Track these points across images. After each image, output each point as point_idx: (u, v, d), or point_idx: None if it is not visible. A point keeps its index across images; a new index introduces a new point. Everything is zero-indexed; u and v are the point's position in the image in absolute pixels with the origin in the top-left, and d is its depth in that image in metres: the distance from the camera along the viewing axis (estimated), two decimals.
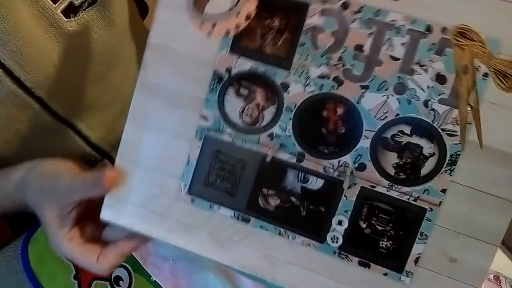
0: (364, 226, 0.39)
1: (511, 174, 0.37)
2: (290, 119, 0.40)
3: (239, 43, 0.40)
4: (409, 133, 0.38)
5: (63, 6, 0.48)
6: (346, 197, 0.39)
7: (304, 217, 0.40)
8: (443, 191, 0.38)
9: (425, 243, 0.39)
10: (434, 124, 0.37)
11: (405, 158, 0.38)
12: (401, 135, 0.38)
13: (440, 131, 0.37)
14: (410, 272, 0.39)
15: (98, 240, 0.43)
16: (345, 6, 0.38)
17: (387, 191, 0.39)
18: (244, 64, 0.40)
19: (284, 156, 0.40)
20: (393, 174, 0.39)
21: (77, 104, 0.55)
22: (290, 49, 0.39)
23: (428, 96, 0.37)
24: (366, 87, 0.38)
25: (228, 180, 0.41)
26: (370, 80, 0.38)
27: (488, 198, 0.37)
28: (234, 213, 0.41)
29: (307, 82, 0.39)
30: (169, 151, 0.42)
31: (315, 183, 0.40)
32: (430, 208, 0.38)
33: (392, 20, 0.37)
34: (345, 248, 0.40)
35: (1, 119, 0.48)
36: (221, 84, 0.40)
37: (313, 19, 0.38)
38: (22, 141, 0.52)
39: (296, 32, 0.39)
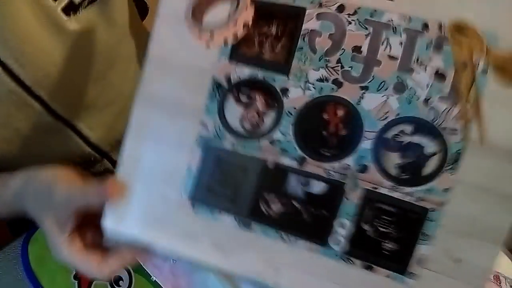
0: (367, 228, 0.39)
1: None
2: (291, 123, 0.40)
3: (238, 51, 0.40)
4: (410, 133, 0.38)
5: (63, 4, 0.48)
6: (348, 199, 0.39)
7: (307, 221, 0.40)
8: (446, 190, 0.37)
9: (428, 244, 0.38)
10: (435, 123, 0.37)
11: (407, 158, 0.38)
12: (402, 135, 0.38)
13: (441, 129, 0.37)
14: (413, 273, 0.38)
15: (99, 246, 0.43)
16: (340, 9, 0.38)
17: (390, 192, 0.38)
18: (243, 71, 0.40)
19: (285, 160, 0.40)
20: (395, 175, 0.38)
21: (77, 103, 0.56)
22: (288, 54, 0.39)
23: (428, 94, 0.37)
24: (365, 88, 0.38)
25: (230, 186, 0.41)
26: (369, 81, 0.38)
27: (492, 195, 0.36)
28: (236, 219, 0.41)
29: (307, 86, 0.39)
30: (170, 160, 0.42)
31: (317, 187, 0.40)
32: (433, 208, 0.38)
33: (388, 20, 0.37)
34: (348, 251, 0.39)
35: (1, 118, 0.49)
36: (221, 92, 0.41)
37: (309, 24, 0.39)
38: (22, 141, 0.52)
39: (293, 37, 0.39)
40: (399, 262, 0.39)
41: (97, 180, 0.42)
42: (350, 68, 0.38)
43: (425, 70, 0.37)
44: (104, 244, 0.44)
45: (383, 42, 0.37)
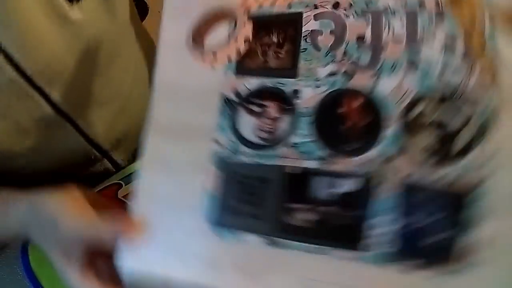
0: (405, 222, 0.35)
1: None
2: (307, 123, 0.38)
3: (243, 65, 0.40)
4: (432, 111, 0.36)
5: None
6: (380, 194, 0.36)
7: (337, 226, 0.37)
8: (483, 164, 0.35)
9: (472, 228, 0.34)
10: (455, 96, 0.36)
11: (433, 138, 0.36)
12: (424, 114, 0.36)
13: (463, 102, 0.35)
14: (460, 262, 0.34)
15: (114, 276, 0.39)
16: (336, 6, 0.39)
17: (422, 178, 0.35)
18: (251, 83, 0.40)
19: (306, 163, 0.38)
20: (424, 158, 0.36)
21: (77, 97, 0.54)
22: (294, 57, 0.39)
23: (441, 69, 0.36)
24: (377, 73, 0.37)
25: (250, 202, 0.39)
26: (379, 66, 0.37)
27: None
28: (260, 238, 0.38)
29: (317, 84, 0.38)
30: (186, 187, 0.40)
31: (344, 186, 0.37)
32: (473, 187, 0.34)
33: (385, 5, 0.37)
34: (387, 253, 0.35)
35: (1, 109, 0.47)
36: (231, 107, 0.40)
37: (309, 25, 0.39)
38: (22, 135, 0.51)
39: (295, 41, 0.39)
40: (445, 256, 0.35)
41: (111, 212, 0.39)
42: (357, 58, 0.38)
43: (433, 45, 0.36)
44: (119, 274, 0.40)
45: (385, 27, 0.37)
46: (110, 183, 0.59)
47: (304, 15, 0.39)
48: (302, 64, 0.39)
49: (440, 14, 0.36)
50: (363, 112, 0.37)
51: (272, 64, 0.40)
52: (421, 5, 0.37)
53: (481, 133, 0.35)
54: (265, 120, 0.39)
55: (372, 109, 0.37)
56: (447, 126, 0.36)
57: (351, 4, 0.38)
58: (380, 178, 0.36)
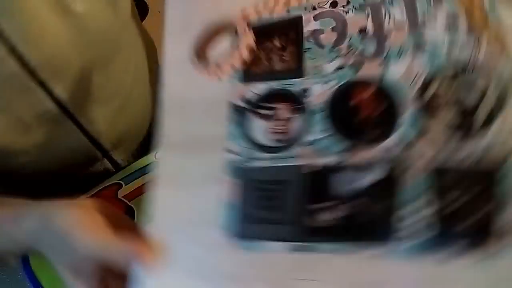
0: (438, 206, 0.33)
1: None
2: (321, 119, 0.37)
3: (248, 72, 0.40)
4: (445, 90, 0.35)
5: None
6: (404, 183, 0.34)
7: (366, 221, 0.35)
8: (507, 137, 0.33)
9: (509, 204, 0.32)
10: (467, 70, 0.35)
11: (453, 114, 0.35)
12: (439, 93, 0.36)
13: (476, 76, 0.35)
14: (501, 242, 0.32)
15: None
16: (334, 5, 0.39)
17: (449, 158, 0.34)
18: (259, 88, 0.39)
19: (325, 160, 0.36)
20: (448, 136, 0.35)
21: (79, 91, 0.52)
22: (298, 58, 0.39)
23: (448, 46, 0.36)
24: (385, 61, 0.37)
25: (270, 207, 0.37)
26: (386, 53, 0.37)
27: None
28: (284, 244, 0.35)
29: (326, 80, 0.38)
30: (202, 199, 0.38)
31: (368, 178, 0.35)
32: (500, 162, 0.33)
33: None
34: (423, 242, 0.33)
35: (2, 104, 0.45)
36: (241, 113, 0.39)
37: (310, 26, 0.39)
38: (24, 131, 0.49)
39: (298, 42, 0.39)
40: (484, 237, 0.32)
41: (128, 230, 0.37)
42: (363, 49, 0.38)
43: (436, 26, 0.36)
44: None
45: (385, 16, 0.38)
46: (110, 183, 0.58)
47: (304, 18, 0.40)
48: (308, 63, 0.39)
49: None
50: (376, 100, 0.37)
51: (278, 67, 0.40)
52: None
53: (501, 103, 0.34)
54: (277, 122, 0.38)
55: (385, 96, 0.36)
56: (464, 101, 0.35)
57: (348, 1, 0.39)
58: (404, 165, 0.35)
